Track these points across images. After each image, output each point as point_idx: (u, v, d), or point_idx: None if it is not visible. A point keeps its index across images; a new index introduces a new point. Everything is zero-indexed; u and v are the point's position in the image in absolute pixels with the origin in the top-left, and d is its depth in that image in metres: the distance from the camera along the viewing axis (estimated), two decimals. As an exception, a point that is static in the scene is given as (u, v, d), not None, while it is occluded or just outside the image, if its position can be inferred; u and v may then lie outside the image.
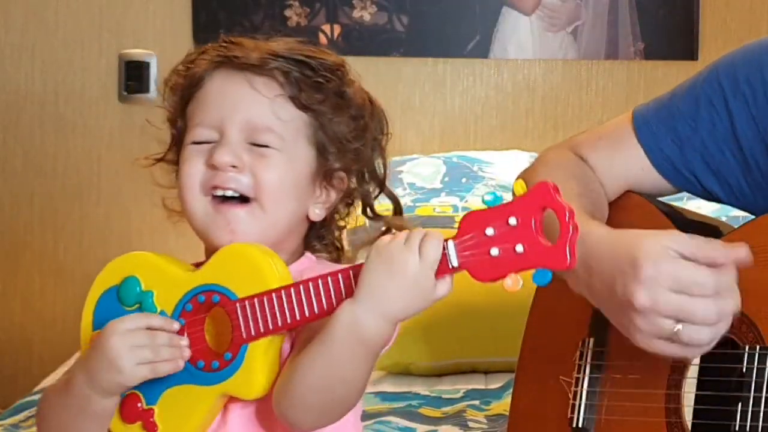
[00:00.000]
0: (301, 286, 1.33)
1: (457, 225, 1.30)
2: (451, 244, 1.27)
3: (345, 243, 1.55)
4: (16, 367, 3.71)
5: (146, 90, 3.61)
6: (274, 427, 1.41)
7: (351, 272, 1.32)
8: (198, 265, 1.45)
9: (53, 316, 3.70)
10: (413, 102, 3.65)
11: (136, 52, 3.63)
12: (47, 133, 3.66)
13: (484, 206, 1.25)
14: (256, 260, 1.37)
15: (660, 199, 1.77)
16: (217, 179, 1.42)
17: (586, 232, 1.48)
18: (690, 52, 3.61)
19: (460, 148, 3.59)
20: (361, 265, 1.32)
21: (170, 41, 3.61)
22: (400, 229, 1.48)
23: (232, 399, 1.41)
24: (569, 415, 1.66)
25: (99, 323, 1.43)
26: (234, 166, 1.42)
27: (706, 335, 1.40)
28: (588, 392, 1.64)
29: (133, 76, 3.62)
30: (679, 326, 1.39)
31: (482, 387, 2.72)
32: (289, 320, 1.33)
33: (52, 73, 3.65)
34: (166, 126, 1.54)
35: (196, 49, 1.52)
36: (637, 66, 3.64)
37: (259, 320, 1.34)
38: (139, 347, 1.36)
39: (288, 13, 3.61)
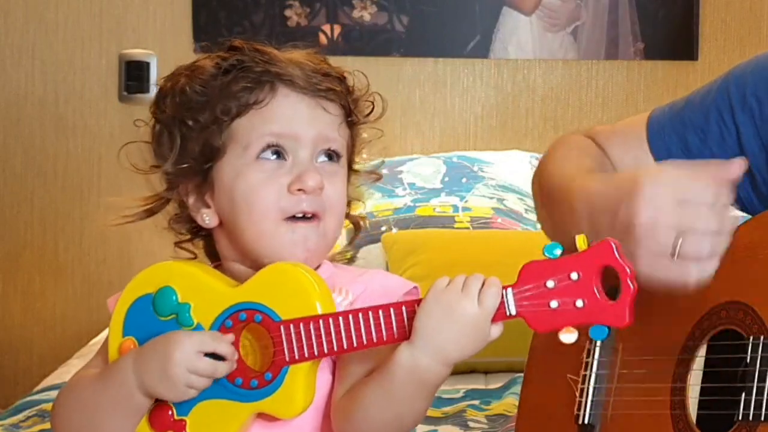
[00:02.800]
0: (350, 316, 1.33)
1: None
2: (510, 292, 1.29)
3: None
4: (16, 367, 3.71)
5: (146, 90, 3.61)
6: None
7: (404, 308, 1.33)
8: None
9: (53, 316, 3.70)
10: (413, 102, 3.65)
11: (137, 52, 3.64)
12: (47, 133, 3.66)
13: (543, 256, 1.27)
14: (301, 282, 1.36)
15: None
16: (304, 205, 1.42)
17: (589, 178, 1.55)
18: (690, 52, 3.61)
19: (460, 148, 3.59)
20: (411, 302, 1.33)
21: (170, 41, 3.62)
22: (357, 223, 1.54)
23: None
24: (576, 412, 1.66)
25: (130, 330, 1.42)
26: (320, 188, 1.43)
27: (707, 246, 1.42)
28: (595, 388, 1.64)
29: (134, 76, 3.63)
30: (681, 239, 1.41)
31: (482, 387, 2.72)
32: (335, 348, 1.33)
33: (53, 74, 3.65)
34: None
35: (208, 57, 1.49)
36: (636, 66, 3.64)
37: (304, 345, 1.34)
38: (198, 377, 1.35)
39: (288, 13, 3.61)
